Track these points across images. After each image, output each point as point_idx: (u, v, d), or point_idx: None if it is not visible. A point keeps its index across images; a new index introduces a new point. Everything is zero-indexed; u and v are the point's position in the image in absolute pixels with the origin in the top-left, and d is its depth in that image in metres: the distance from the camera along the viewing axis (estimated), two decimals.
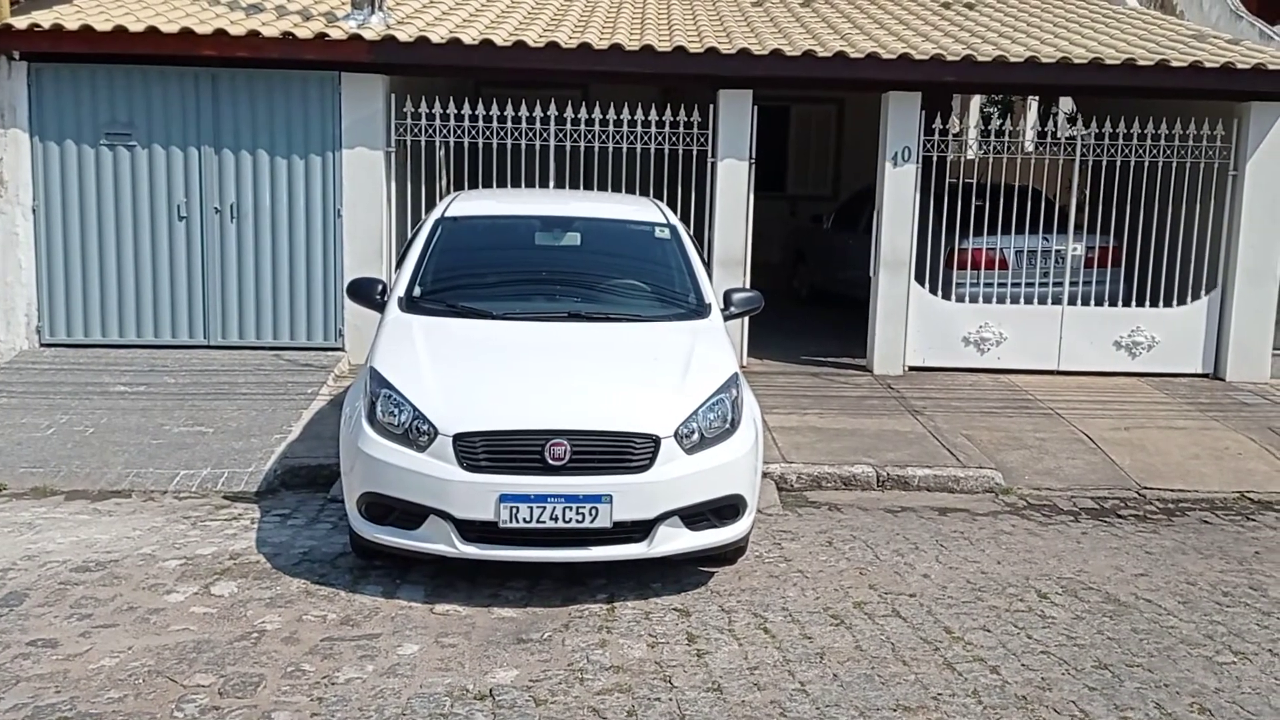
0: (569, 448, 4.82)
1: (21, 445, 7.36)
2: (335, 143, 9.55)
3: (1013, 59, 9.30)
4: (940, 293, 10.05)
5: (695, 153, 9.72)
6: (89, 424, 7.85)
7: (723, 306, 6.22)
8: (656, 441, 4.91)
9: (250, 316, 9.77)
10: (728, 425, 5.18)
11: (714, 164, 9.71)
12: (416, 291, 6.00)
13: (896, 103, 9.68)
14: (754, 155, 9.72)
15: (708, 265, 9.66)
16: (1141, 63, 9.36)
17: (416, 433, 4.94)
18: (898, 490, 7.27)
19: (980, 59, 9.29)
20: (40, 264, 9.55)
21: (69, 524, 6.02)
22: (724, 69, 9.40)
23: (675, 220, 6.68)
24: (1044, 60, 9.30)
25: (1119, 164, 9.90)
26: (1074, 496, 7.22)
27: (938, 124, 9.70)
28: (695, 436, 5.05)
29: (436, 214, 6.50)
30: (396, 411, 5.03)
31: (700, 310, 6.03)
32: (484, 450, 4.84)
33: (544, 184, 9.65)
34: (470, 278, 6.24)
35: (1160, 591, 5.49)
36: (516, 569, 5.20)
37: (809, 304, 13.52)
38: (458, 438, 4.85)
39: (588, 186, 9.67)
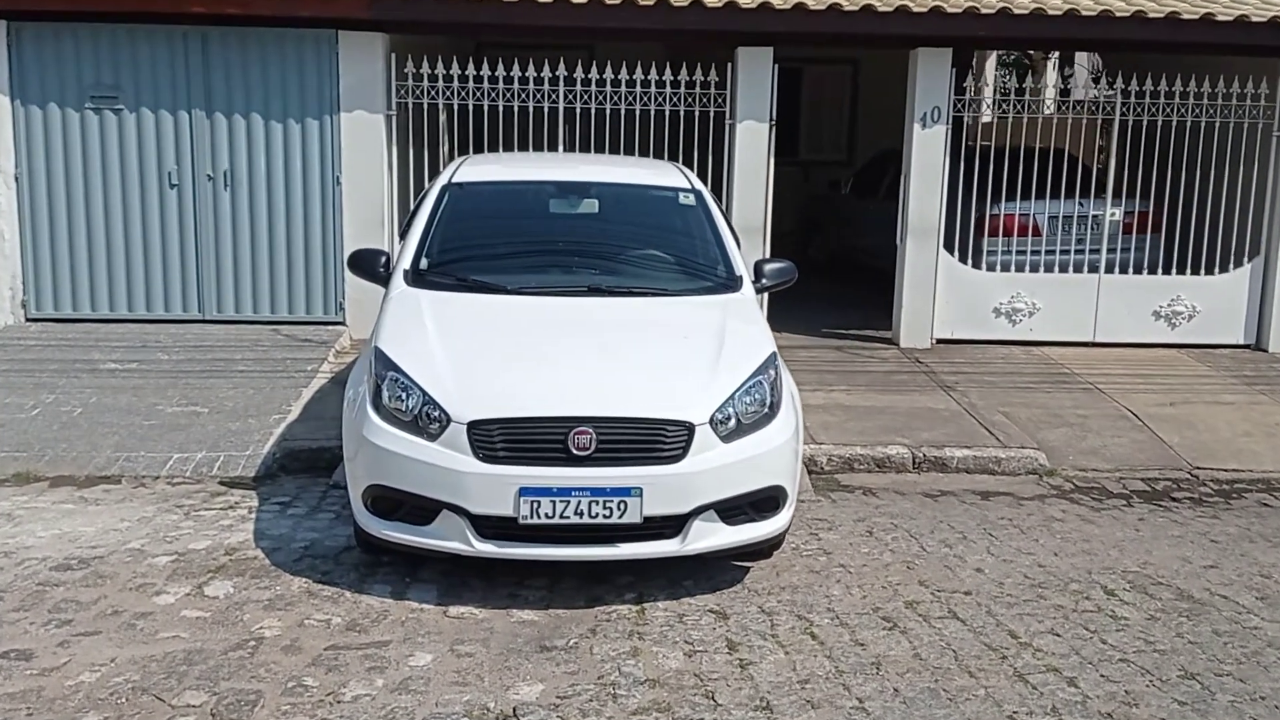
0: (594, 436, 4.37)
1: (4, 427, 6.92)
2: (333, 106, 9.04)
3: (1051, 11, 8.77)
4: (970, 261, 9.57)
5: (712, 114, 9.21)
6: (77, 404, 7.41)
7: (754, 278, 5.76)
8: (690, 429, 4.46)
9: (246, 289, 9.30)
10: (766, 410, 4.73)
11: (732, 125, 9.21)
12: (423, 264, 5.53)
13: (926, 60, 9.15)
14: (775, 117, 9.21)
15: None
16: (1186, 16, 8.83)
17: (427, 420, 4.49)
18: (935, 472, 6.83)
19: (1017, 11, 8.76)
20: (24, 235, 9.07)
21: (51, 515, 5.59)
22: (743, 24, 8.87)
23: (700, 185, 6.20)
24: (1084, 13, 8.77)
25: (1158, 124, 9.39)
26: (1123, 478, 6.79)
27: (969, 83, 9.19)
28: (732, 423, 4.60)
29: (443, 180, 6.02)
30: (404, 396, 4.58)
31: (731, 283, 5.56)
32: (501, 439, 4.39)
33: (553, 148, 9.15)
34: (481, 249, 5.77)
35: (1234, 586, 5.06)
36: (536, 566, 4.77)
37: (827, 273, 13.02)
38: (473, 425, 4.39)
39: (599, 150, 9.17)
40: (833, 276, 12.81)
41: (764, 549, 4.98)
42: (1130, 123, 9.44)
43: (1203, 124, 9.41)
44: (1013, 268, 9.62)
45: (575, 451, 4.36)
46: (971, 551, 5.42)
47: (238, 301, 9.30)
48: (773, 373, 4.85)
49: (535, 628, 4.39)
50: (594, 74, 9.03)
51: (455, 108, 9.19)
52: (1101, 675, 4.11)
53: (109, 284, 9.20)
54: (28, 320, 9.20)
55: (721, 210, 6.18)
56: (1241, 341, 9.66)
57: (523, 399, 4.46)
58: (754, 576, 4.96)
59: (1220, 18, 8.82)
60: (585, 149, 9.25)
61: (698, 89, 9.12)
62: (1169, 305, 9.57)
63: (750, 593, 4.78)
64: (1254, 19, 8.83)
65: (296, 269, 9.27)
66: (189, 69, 8.97)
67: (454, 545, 4.45)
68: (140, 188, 9.09)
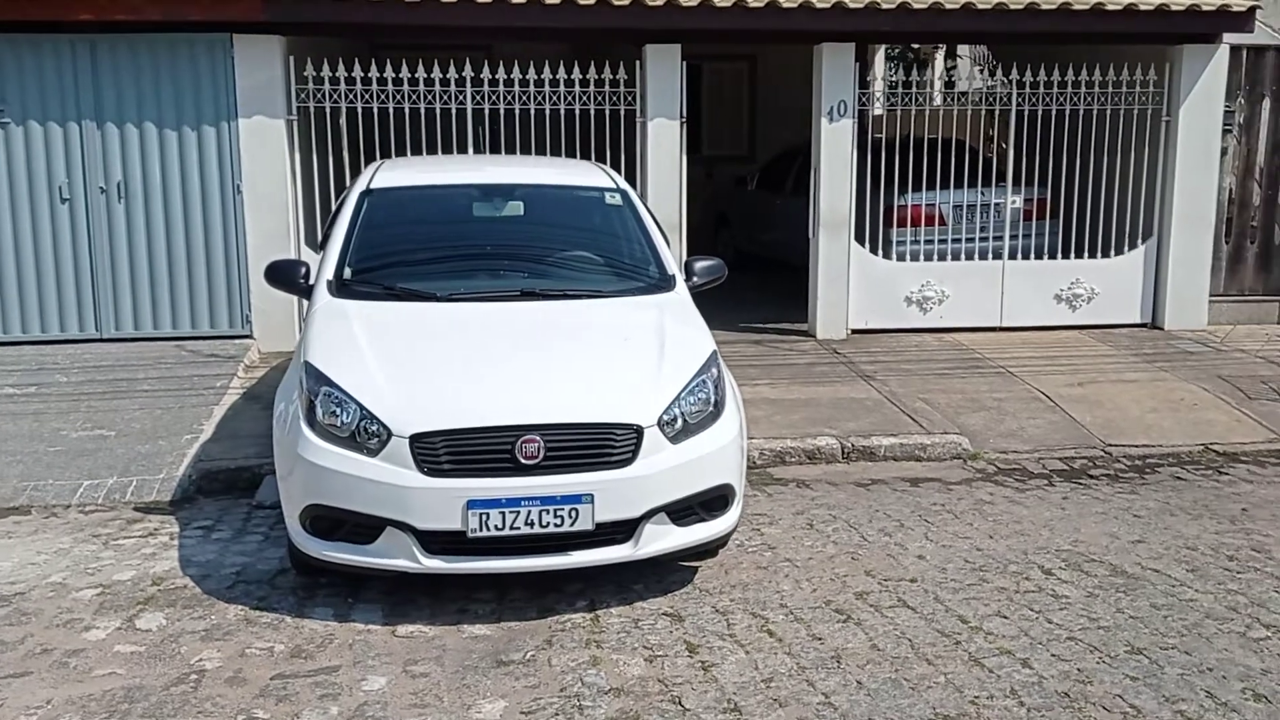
0: (542, 444, 4.29)
1: None
2: (230, 112, 8.75)
3: (949, 5, 8.95)
4: (880, 252, 9.72)
5: (622, 113, 9.18)
6: None
7: (685, 277, 5.73)
8: (639, 432, 4.41)
9: (146, 305, 8.96)
10: (711, 409, 4.70)
11: (643, 124, 9.18)
12: (346, 273, 5.36)
13: (830, 55, 9.25)
14: (685, 114, 9.21)
15: None
16: (1077, 6, 9.09)
17: (366, 435, 4.35)
18: (864, 461, 6.91)
19: (916, 6, 8.91)
20: None
21: None
22: (650, 21, 8.86)
23: (625, 185, 6.15)
24: (981, 6, 8.97)
25: (1052, 113, 9.65)
26: (1042, 458, 6.96)
27: (871, 76, 9.31)
28: (679, 424, 4.56)
29: (360, 186, 5.85)
30: (339, 411, 4.43)
31: (664, 282, 5.53)
32: (446, 452, 4.27)
33: (463, 150, 9.01)
34: (405, 256, 5.63)
35: (1164, 559, 5.21)
36: (484, 579, 4.67)
37: (736, 268, 13.00)
38: (415, 439, 4.27)
39: (508, 151, 9.05)
40: (743, 271, 12.82)
41: (712, 548, 4.96)
42: (1026, 112, 9.68)
43: (1095, 111, 9.70)
44: (921, 257, 9.79)
45: (523, 460, 4.27)
46: (911, 539, 5.48)
47: (137, 318, 8.95)
48: (715, 371, 4.83)
49: (489, 642, 4.29)
50: (501, 74, 8.91)
51: (360, 111, 8.97)
52: (1052, 655, 4.19)
53: (0, 305, 8.76)
54: None
55: (649, 210, 6.13)
56: (1139, 321, 9.99)
57: (466, 409, 4.35)
58: (703, 576, 4.93)
59: (1110, 7, 9.10)
60: (495, 150, 9.13)
61: (606, 88, 9.08)
62: (1069, 288, 9.85)
63: (702, 593, 4.76)
64: (1142, 8, 9.13)
65: (199, 282, 8.96)
66: (77, 79, 8.60)
67: (400, 563, 4.32)
68: (30, 203, 8.70)
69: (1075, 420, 7.58)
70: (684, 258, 6.09)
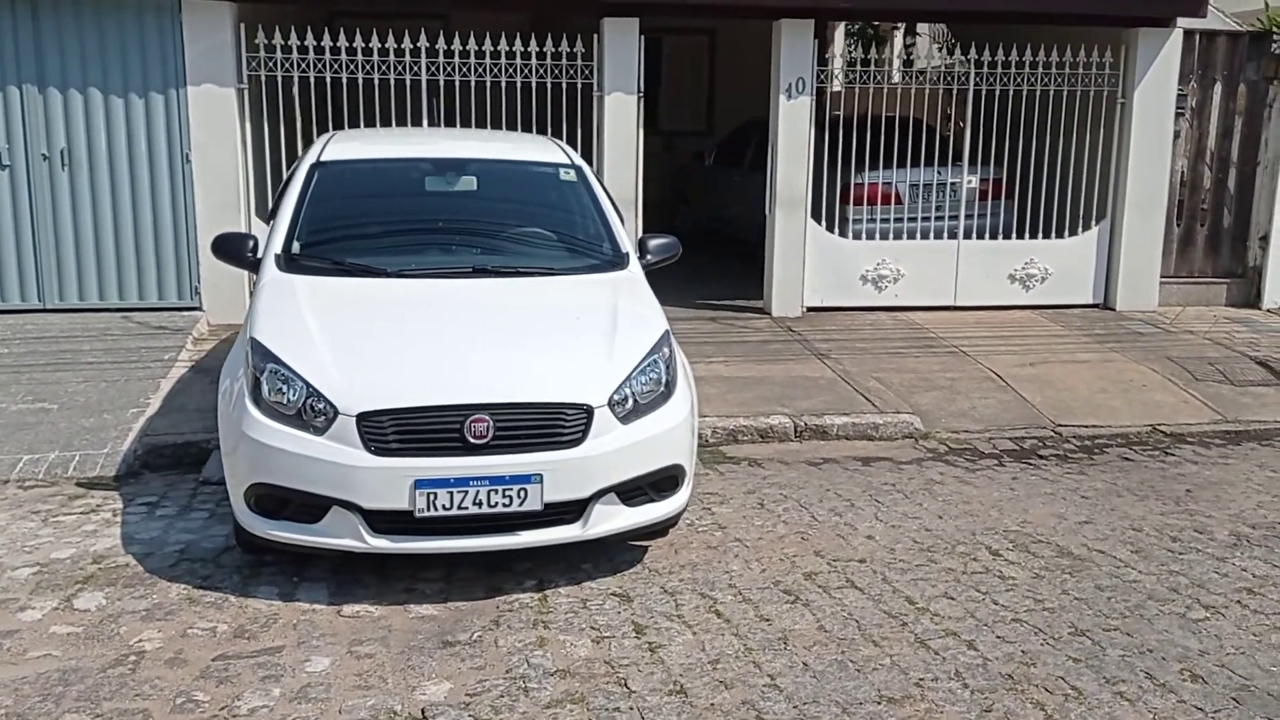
0: (491, 423, 4.24)
1: None
2: (179, 79, 8.57)
3: None
4: (836, 230, 9.72)
5: (579, 86, 9.09)
6: None
7: (638, 255, 5.69)
8: (589, 412, 4.37)
9: (91, 275, 8.78)
10: (662, 389, 4.67)
11: (600, 98, 9.10)
12: (295, 247, 5.27)
13: (789, 31, 9.21)
14: (643, 88, 9.14)
15: None
16: None
17: (312, 413, 4.28)
18: (817, 440, 6.92)
19: None
20: None
21: None
22: None
23: (580, 160, 6.08)
24: None
25: (1010, 93, 9.68)
26: (993, 438, 7.01)
27: (830, 54, 9.28)
28: (629, 404, 4.53)
29: (310, 158, 5.75)
30: (285, 389, 4.35)
31: (618, 260, 5.48)
32: (394, 431, 4.22)
33: (417, 122, 8.88)
34: (355, 230, 5.54)
35: (1110, 540, 5.27)
36: (431, 558, 4.63)
37: (693, 244, 12.98)
38: (362, 417, 4.21)
39: (463, 124, 8.94)
40: (700, 247, 12.77)
41: (662, 528, 4.94)
42: (984, 92, 9.70)
43: (1051, 92, 9.74)
44: (877, 235, 9.80)
45: (472, 440, 4.22)
46: (861, 519, 5.50)
47: (82, 289, 8.78)
48: (667, 351, 4.80)
49: (435, 623, 4.25)
50: (457, 45, 8.78)
51: (312, 80, 8.81)
52: (997, 636, 4.22)
53: None
54: None
55: (604, 187, 6.07)
56: (1091, 301, 10.08)
57: (414, 387, 4.30)
58: (653, 556, 4.92)
59: None
60: (450, 123, 9.01)
61: (564, 60, 8.98)
62: (1023, 268, 9.91)
63: (651, 573, 4.74)
64: None
65: (146, 252, 8.79)
66: (18, 42, 8.37)
67: (346, 542, 4.27)
68: None
69: (1026, 400, 7.64)
70: (640, 234, 6.03)
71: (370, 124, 8.87)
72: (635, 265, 5.47)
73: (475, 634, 4.15)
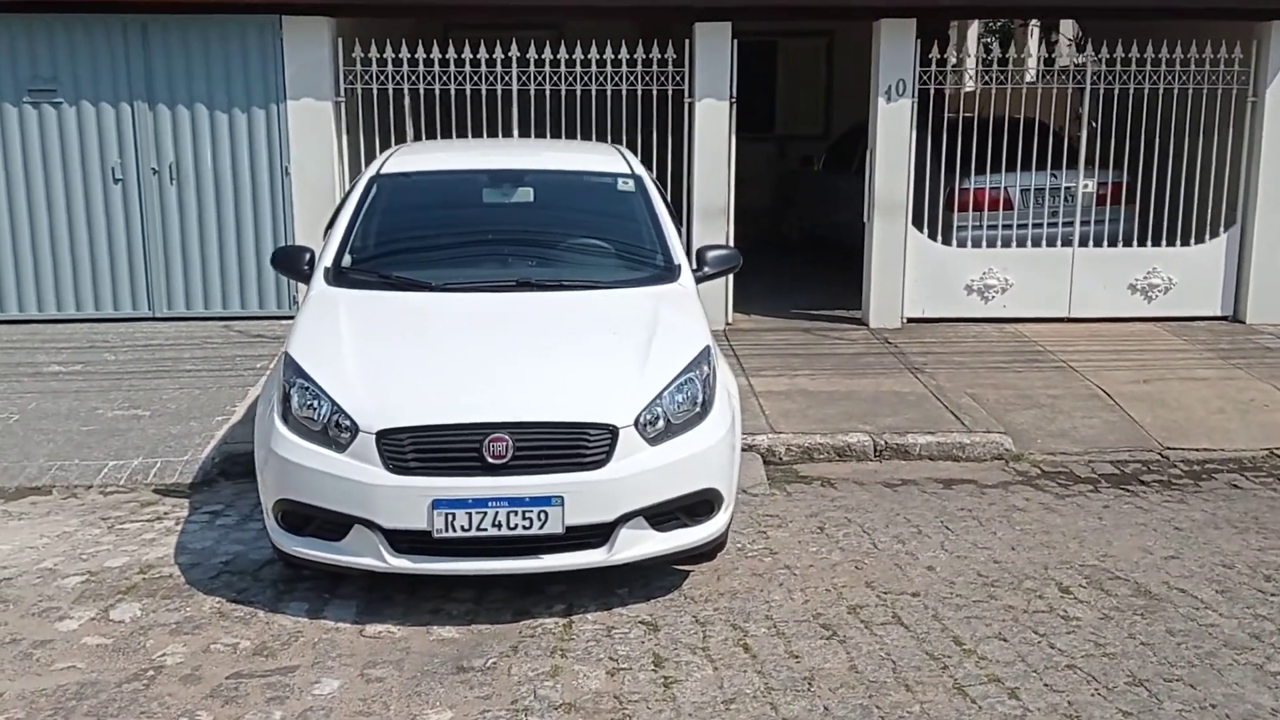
0: (511, 443, 4.14)
1: None
2: (279, 94, 8.78)
3: None
4: (940, 238, 9.32)
5: (671, 93, 8.95)
6: (14, 410, 7.18)
7: (695, 266, 5.51)
8: (614, 432, 4.22)
9: (197, 285, 9.07)
10: (698, 408, 4.49)
11: (691, 104, 8.94)
12: (346, 261, 5.28)
13: (889, 31, 8.88)
14: (735, 94, 8.94)
15: (687, 215, 9.01)
16: None
17: (337, 429, 4.26)
18: (897, 460, 6.60)
19: None
20: None
21: None
22: None
23: (641, 170, 5.94)
24: None
25: (1131, 92, 9.12)
26: (1092, 461, 6.57)
27: (934, 54, 8.91)
28: (660, 424, 4.36)
29: (371, 171, 5.77)
30: (315, 405, 4.34)
31: (668, 272, 5.32)
32: (413, 449, 4.16)
33: (508, 132, 8.88)
34: (408, 243, 5.53)
35: (1195, 578, 4.84)
36: (461, 578, 4.54)
37: (799, 251, 12.77)
38: (382, 435, 4.16)
39: (561, 133, 8.89)
40: (805, 255, 12.57)
41: (706, 551, 4.75)
42: (1103, 91, 9.16)
43: (1176, 91, 9.14)
44: (984, 243, 9.37)
45: (491, 460, 4.13)
46: (925, 547, 5.20)
47: (188, 298, 9.07)
48: (705, 368, 4.61)
49: (455, 646, 4.17)
50: (548, 54, 8.75)
51: (406, 91, 8.89)
52: (1045, 684, 3.90)
53: (55, 284, 8.97)
54: None
55: (663, 195, 5.93)
56: (1219, 313, 9.43)
57: (434, 405, 4.23)
58: (693, 582, 4.74)
59: None
60: (542, 132, 8.98)
61: (655, 67, 8.85)
62: (1145, 278, 9.33)
63: (687, 600, 4.56)
64: None
65: (248, 263, 9.04)
66: (129, 60, 8.71)
67: (367, 561, 4.23)
68: (84, 183, 8.86)
69: (1134, 420, 7.16)
70: (710, 246, 5.84)
71: (464, 135, 8.91)
72: (687, 277, 5.30)
73: (491, 660, 4.05)
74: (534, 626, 4.31)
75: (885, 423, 6.94)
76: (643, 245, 5.50)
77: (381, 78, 8.81)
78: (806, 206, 12.90)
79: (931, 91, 9.13)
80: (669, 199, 8.61)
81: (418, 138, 9.05)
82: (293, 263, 5.39)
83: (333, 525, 4.23)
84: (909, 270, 9.24)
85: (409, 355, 4.55)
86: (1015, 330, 9.17)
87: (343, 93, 8.83)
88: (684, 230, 8.99)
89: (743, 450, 6.50)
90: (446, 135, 8.94)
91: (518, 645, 4.16)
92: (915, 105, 8.98)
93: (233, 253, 9.01)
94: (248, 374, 7.83)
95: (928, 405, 7.31)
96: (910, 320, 9.33)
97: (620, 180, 5.78)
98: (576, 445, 4.20)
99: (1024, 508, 5.80)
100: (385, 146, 8.96)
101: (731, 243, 9.13)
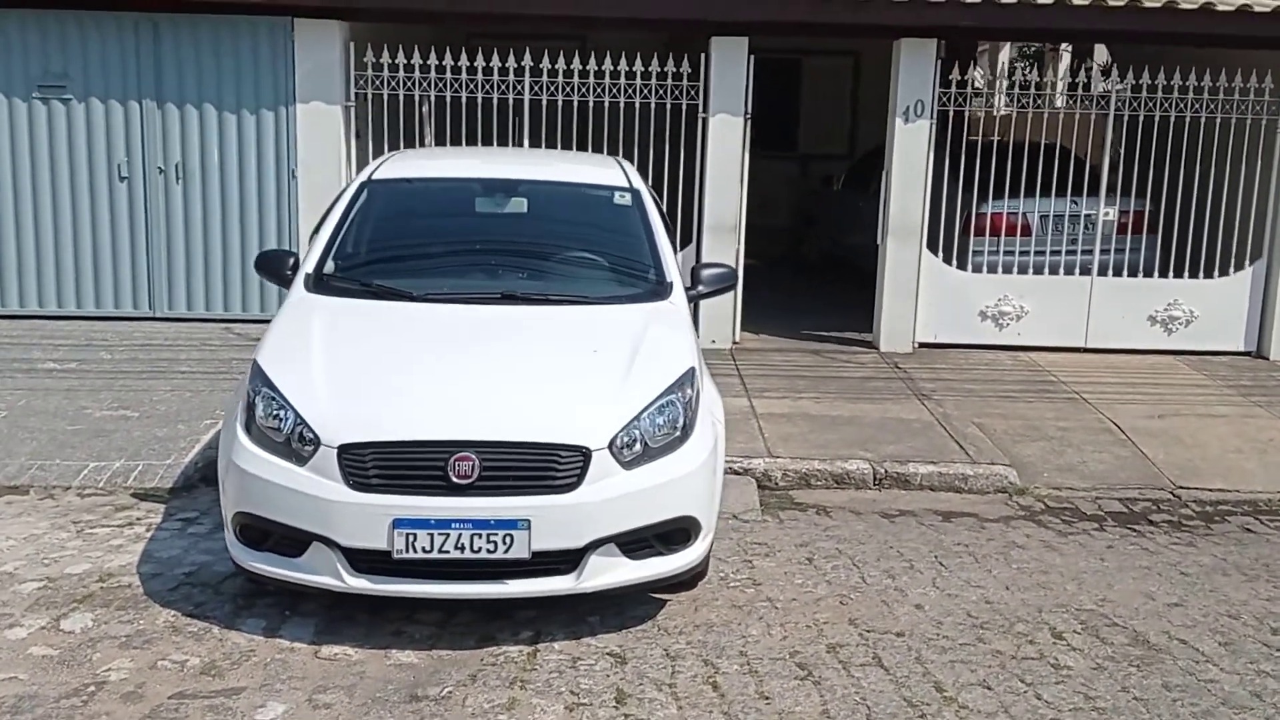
0: (477, 463, 3.97)
1: None
2: (289, 96, 8.69)
3: (1041, 1, 8.28)
4: (955, 262, 9.11)
5: (685, 108, 8.79)
6: (3, 407, 7.09)
7: (689, 284, 5.34)
8: (586, 455, 4.05)
9: (199, 286, 8.98)
10: (678, 432, 4.30)
11: (705, 120, 8.78)
12: (329, 267, 5.14)
13: (909, 50, 8.69)
14: (750, 111, 8.78)
15: (698, 232, 8.84)
16: (1185, 5, 8.31)
17: (301, 442, 4.10)
18: (897, 489, 6.40)
19: (1004, 0, 8.27)
20: None
21: None
22: (715, 12, 8.45)
23: (639, 183, 5.78)
24: (1076, 3, 8.28)
25: (1156, 120, 8.88)
26: (1099, 498, 6.33)
27: (955, 74, 8.71)
28: (637, 447, 4.18)
29: (363, 176, 5.63)
30: (281, 416, 4.19)
31: (660, 290, 5.14)
32: (375, 465, 3.99)
33: (518, 142, 8.76)
34: (394, 251, 5.38)
35: (1197, 629, 4.61)
36: (426, 600, 4.37)
37: (817, 271, 12.57)
38: (343, 450, 4.00)
39: (572, 144, 8.75)
40: (822, 275, 12.37)
41: (685, 580, 4.56)
42: (1126, 118, 8.93)
43: (1203, 119, 8.89)
44: (1000, 269, 9.15)
45: (456, 479, 3.96)
46: (915, 584, 4.99)
47: (190, 298, 8.99)
48: (689, 390, 4.43)
49: (412, 672, 4.00)
50: (561, 65, 8.62)
51: (417, 98, 8.78)
52: None
53: (57, 279, 8.91)
54: None
55: (661, 210, 5.76)
56: (1242, 348, 9.15)
57: (398, 420, 4.07)
58: (669, 612, 4.55)
59: (1220, 8, 8.30)
60: (554, 143, 8.85)
61: (669, 81, 8.70)
62: (1165, 310, 9.08)
63: (660, 631, 4.37)
64: (1257, 9, 8.31)
65: (250, 265, 8.90)
66: (140, 58, 8.64)
67: (325, 580, 4.07)
68: (89, 180, 8.80)
69: (1146, 456, 6.91)
70: (704, 264, 5.68)
71: (475, 143, 8.78)
72: (679, 295, 5.12)
73: (447, 689, 3.88)
74: (497, 654, 4.14)
75: (887, 450, 6.73)
76: (635, 261, 5.33)
77: (393, 83, 8.70)
78: (825, 227, 12.71)
79: (951, 114, 8.92)
80: (678, 215, 8.49)
81: (438, 144, 8.93)
82: (276, 267, 5.26)
83: (291, 541, 4.08)
84: (922, 294, 9.03)
85: (379, 367, 4.40)
86: (1029, 359, 8.94)
87: (353, 97, 8.72)
88: (694, 247, 8.84)
89: (738, 474, 6.41)
90: (458, 143, 8.82)
91: (477, 674, 3.99)
92: (934, 127, 8.79)
93: (236, 254, 8.91)
94: (242, 377, 7.68)
95: (932, 434, 7.10)
96: (922, 345, 9.11)
97: (617, 194, 5.62)
98: (546, 467, 4.02)
99: (1024, 544, 5.58)
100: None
101: (742, 261, 8.99)
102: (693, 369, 4.52)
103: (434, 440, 3.99)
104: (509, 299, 4.94)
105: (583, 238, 5.52)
